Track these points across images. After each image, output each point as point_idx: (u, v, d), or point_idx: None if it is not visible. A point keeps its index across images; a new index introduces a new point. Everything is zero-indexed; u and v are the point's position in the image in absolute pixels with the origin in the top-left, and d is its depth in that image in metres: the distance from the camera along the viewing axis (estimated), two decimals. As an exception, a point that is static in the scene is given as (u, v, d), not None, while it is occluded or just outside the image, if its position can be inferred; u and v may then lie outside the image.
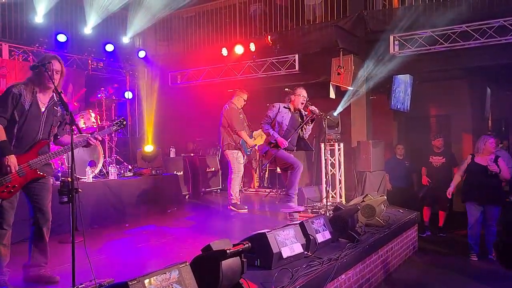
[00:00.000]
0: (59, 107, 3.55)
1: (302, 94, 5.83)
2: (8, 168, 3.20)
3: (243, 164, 6.90)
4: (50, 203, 3.54)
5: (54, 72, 3.42)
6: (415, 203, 7.75)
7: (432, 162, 7.65)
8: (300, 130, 5.86)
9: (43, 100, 3.47)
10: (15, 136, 3.34)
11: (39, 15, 8.17)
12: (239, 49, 8.94)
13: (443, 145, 7.76)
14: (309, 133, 6.01)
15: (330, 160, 7.37)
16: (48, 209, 3.51)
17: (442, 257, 6.46)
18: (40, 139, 3.43)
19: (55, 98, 3.52)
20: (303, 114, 5.91)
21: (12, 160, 3.22)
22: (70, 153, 3.02)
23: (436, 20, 7.11)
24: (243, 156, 6.87)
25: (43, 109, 3.45)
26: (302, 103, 5.83)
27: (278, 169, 8.72)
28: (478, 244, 6.15)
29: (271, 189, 8.84)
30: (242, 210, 6.68)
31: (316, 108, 5.75)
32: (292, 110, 5.84)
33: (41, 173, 3.42)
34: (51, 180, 3.65)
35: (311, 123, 5.90)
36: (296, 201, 5.90)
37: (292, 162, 5.61)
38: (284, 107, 5.75)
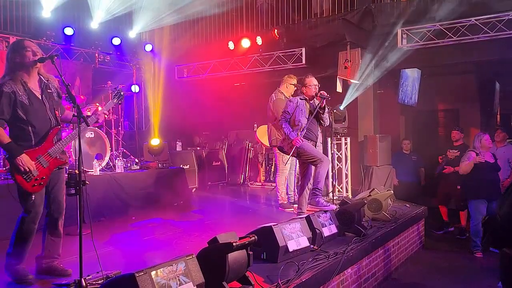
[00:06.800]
0: (51, 87, 3.48)
1: (312, 84, 5.41)
2: (27, 168, 3.18)
3: (289, 163, 6.26)
4: (65, 195, 3.53)
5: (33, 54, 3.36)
6: (422, 198, 7.70)
7: (448, 155, 7.33)
8: (316, 118, 5.44)
9: (35, 87, 3.38)
10: (31, 133, 3.29)
11: (46, 10, 8.18)
12: (245, 43, 8.93)
13: (461, 139, 7.48)
14: (327, 121, 5.54)
15: (337, 154, 7.34)
16: (63, 200, 3.52)
17: (448, 253, 6.43)
18: (52, 127, 3.40)
19: (43, 80, 3.45)
20: (315, 103, 5.49)
21: (25, 159, 3.18)
22: (77, 145, 3.03)
23: (444, 13, 7.03)
24: None
25: (40, 97, 3.38)
26: (315, 91, 5.41)
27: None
28: (480, 240, 6.11)
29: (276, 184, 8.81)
30: (289, 209, 6.19)
31: (323, 92, 5.31)
32: (309, 100, 5.48)
33: (64, 160, 3.44)
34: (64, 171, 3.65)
35: (324, 110, 5.41)
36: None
37: (319, 156, 5.27)
38: (300, 99, 5.44)
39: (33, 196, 3.26)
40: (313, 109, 5.36)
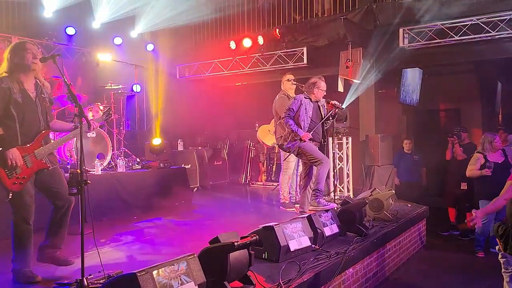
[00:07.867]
0: (45, 93, 3.50)
1: (324, 88, 5.63)
2: (14, 162, 3.19)
3: (293, 162, 6.32)
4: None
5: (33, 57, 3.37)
6: (424, 198, 7.67)
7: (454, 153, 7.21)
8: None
9: (30, 88, 3.40)
10: (18, 131, 3.29)
11: (48, 10, 8.19)
12: (247, 42, 8.92)
13: (467, 137, 7.32)
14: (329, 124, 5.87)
15: (338, 154, 7.34)
16: (67, 193, 3.47)
17: (450, 253, 6.42)
18: (42, 129, 3.42)
19: (39, 84, 3.48)
20: (321, 105, 5.71)
21: (15, 153, 3.20)
22: (79, 144, 3.03)
23: (446, 12, 7.01)
24: None
25: (34, 98, 3.40)
26: (323, 95, 5.66)
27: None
28: (485, 240, 6.09)
29: (278, 183, 8.81)
30: (290, 209, 6.16)
31: (337, 102, 5.59)
32: (313, 100, 5.63)
33: (48, 164, 3.42)
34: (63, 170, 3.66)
35: (333, 118, 5.72)
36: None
37: (319, 157, 5.40)
38: (305, 97, 5.56)
39: (10, 194, 3.24)
40: (319, 110, 5.60)
